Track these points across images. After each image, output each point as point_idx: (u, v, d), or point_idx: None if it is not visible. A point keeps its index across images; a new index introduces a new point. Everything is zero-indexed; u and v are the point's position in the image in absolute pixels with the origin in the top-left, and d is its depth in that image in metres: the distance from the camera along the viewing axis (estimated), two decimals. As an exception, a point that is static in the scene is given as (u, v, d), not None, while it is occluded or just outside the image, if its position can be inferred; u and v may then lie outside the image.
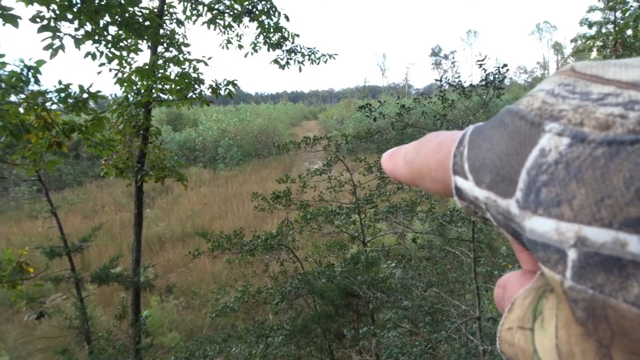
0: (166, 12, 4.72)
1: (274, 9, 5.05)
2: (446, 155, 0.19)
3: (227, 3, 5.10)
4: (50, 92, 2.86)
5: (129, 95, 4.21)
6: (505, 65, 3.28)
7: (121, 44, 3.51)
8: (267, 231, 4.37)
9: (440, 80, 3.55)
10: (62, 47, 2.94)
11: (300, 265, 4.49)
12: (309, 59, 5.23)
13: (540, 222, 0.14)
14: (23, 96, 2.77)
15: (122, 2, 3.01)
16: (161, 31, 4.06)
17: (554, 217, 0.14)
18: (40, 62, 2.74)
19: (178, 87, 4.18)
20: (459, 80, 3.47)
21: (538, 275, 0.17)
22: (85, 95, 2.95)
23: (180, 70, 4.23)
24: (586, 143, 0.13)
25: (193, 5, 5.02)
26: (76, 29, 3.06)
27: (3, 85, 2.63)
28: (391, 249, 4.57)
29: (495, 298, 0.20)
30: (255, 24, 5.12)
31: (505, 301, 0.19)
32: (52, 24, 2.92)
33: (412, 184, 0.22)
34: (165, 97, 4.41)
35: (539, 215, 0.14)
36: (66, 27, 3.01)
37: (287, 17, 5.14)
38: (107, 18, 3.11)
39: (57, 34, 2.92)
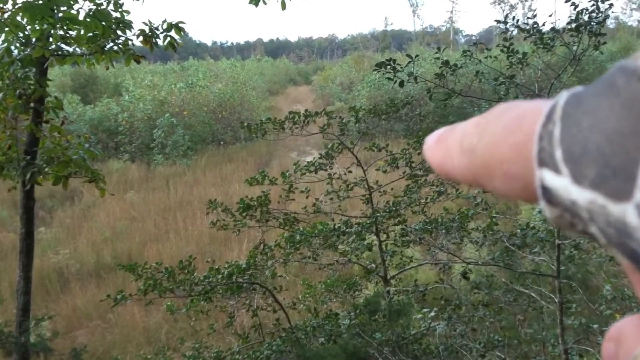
0: None
1: None
2: (527, 137, 0.20)
3: None
4: None
5: (12, 47, 4.20)
6: (607, -2, 3.30)
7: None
8: (231, 262, 4.38)
9: (505, 23, 3.57)
10: None
11: (285, 316, 4.50)
12: (297, -11, 5.23)
13: None
14: None
15: None
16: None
17: None
18: None
19: (90, 34, 4.18)
20: (534, 22, 3.49)
21: None
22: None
23: (94, 7, 4.23)
24: None
25: None
26: None
27: None
28: (429, 289, 4.60)
29: (605, 357, 0.20)
30: None
31: None
32: None
33: (473, 183, 0.23)
34: (71, 49, 4.40)
35: None
36: None
37: None
38: None
39: None
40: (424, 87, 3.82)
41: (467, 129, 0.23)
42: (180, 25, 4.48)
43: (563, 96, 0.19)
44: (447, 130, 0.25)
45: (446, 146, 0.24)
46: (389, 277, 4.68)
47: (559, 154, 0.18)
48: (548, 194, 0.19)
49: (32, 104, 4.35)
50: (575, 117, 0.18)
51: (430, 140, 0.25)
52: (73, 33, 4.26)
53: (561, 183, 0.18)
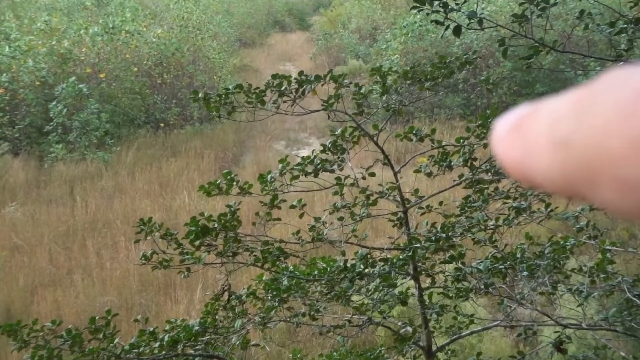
0: None
1: None
2: None
3: None
4: None
5: None
6: None
7: None
8: (176, 321, 4.39)
9: None
10: None
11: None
12: None
13: None
14: None
15: None
16: None
17: None
18: None
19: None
20: None
21: None
22: None
23: None
24: None
25: None
26: None
27: None
28: (500, 368, 4.59)
29: None
30: None
31: None
32: None
33: (568, 193, 0.24)
34: None
35: None
36: None
37: None
38: None
39: None
40: (495, 36, 3.85)
41: (561, 111, 0.23)
42: None
43: None
44: (529, 112, 0.25)
45: (527, 136, 0.24)
46: (434, 347, 4.66)
47: None
48: None
49: None
50: None
51: (502, 127, 0.26)
52: None
53: None
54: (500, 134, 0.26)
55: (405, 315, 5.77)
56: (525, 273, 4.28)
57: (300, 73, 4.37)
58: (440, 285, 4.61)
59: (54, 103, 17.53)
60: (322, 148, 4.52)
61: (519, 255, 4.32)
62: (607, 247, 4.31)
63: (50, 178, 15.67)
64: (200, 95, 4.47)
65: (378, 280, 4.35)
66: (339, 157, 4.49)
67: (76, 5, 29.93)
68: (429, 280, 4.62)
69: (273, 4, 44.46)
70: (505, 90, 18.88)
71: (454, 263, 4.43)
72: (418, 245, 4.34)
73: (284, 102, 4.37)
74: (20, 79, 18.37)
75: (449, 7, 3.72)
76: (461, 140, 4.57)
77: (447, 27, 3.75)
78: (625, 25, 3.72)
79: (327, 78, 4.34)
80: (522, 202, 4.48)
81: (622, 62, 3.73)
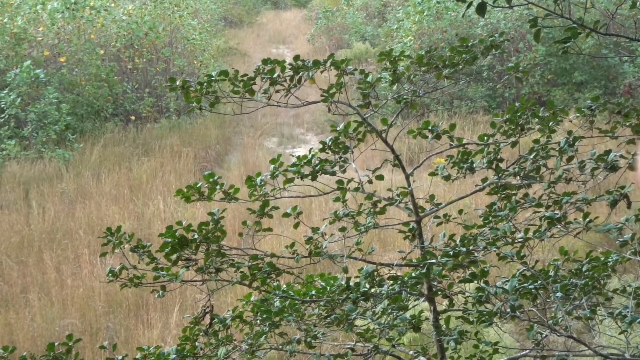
0: None
1: None
2: None
3: None
4: None
5: None
6: None
7: None
8: (148, 349, 4.37)
9: None
10: None
11: None
12: None
13: None
14: None
15: None
16: None
17: None
18: None
19: None
20: None
21: None
22: None
23: None
24: None
25: None
26: None
27: None
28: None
29: None
30: None
31: None
32: None
33: None
34: None
35: None
36: None
37: None
38: None
39: None
40: (526, 15, 3.86)
41: None
42: None
43: None
44: None
45: None
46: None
47: None
48: None
49: None
50: None
51: None
52: None
53: None
54: None
55: (417, 342, 5.75)
56: (559, 294, 4.24)
57: (296, 58, 4.34)
58: (459, 308, 4.58)
59: (5, 91, 17.42)
60: (321, 146, 4.52)
61: (552, 273, 4.28)
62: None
63: (1, 180, 15.55)
64: (177, 83, 4.41)
65: (386, 302, 4.32)
66: (341, 157, 4.49)
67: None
68: (445, 302, 4.60)
69: (264, -23, 44.34)
70: (537, 79, 18.83)
71: (476, 282, 4.34)
72: (433, 261, 4.29)
73: (277, 92, 4.34)
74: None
75: (472, -20, 3.70)
76: (485, 138, 4.56)
77: (470, 4, 3.73)
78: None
79: (328, 64, 4.32)
80: (556, 211, 4.42)
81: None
